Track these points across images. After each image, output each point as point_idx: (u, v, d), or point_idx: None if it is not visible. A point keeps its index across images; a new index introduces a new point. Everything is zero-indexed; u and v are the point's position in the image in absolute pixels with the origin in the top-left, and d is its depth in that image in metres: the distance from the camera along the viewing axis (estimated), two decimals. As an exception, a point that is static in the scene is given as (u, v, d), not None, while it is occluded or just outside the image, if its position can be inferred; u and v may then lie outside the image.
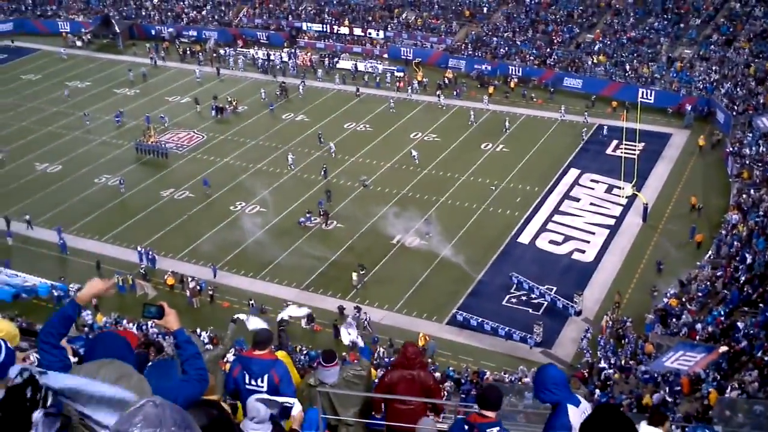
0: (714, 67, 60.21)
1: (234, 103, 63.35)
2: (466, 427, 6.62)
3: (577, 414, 6.22)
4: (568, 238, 44.54)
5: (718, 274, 37.96)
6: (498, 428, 6.46)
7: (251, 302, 39.27)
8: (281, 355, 9.22)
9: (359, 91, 65.41)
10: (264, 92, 65.04)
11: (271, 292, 40.96)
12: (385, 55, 72.43)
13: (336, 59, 71.88)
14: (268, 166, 54.12)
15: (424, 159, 53.33)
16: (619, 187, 47.80)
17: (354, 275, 41.22)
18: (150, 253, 43.99)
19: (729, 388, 28.28)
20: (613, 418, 3.53)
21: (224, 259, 43.84)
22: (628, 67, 63.00)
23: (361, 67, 70.09)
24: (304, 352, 33.90)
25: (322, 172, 51.87)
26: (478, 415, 6.62)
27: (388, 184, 50.97)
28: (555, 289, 40.04)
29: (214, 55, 74.31)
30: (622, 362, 33.35)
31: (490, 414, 6.58)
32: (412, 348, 9.95)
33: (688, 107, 57.23)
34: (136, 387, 3.66)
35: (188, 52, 75.63)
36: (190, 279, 41.44)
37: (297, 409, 7.02)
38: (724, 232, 41.90)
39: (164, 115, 61.66)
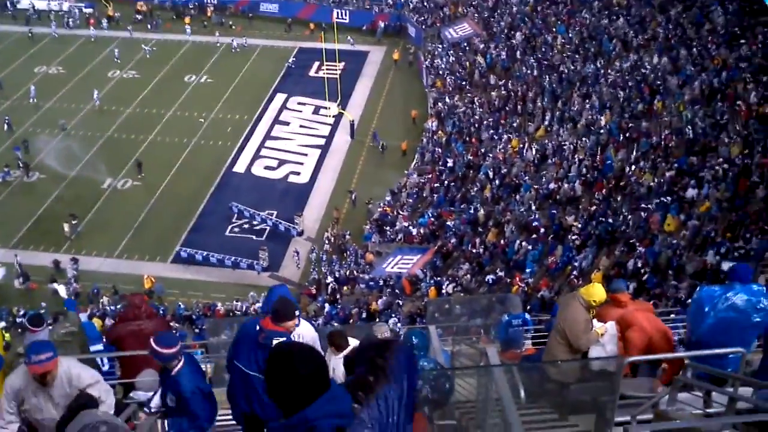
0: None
1: None
2: (258, 327, 6.72)
3: None
4: (282, 162, 45.08)
5: (425, 179, 40.35)
6: (285, 339, 6.50)
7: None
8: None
9: (32, 32, 60.15)
10: None
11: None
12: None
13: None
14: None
15: (125, 97, 51.21)
16: (326, 107, 48.91)
17: (66, 226, 39.07)
18: None
19: (445, 283, 30.54)
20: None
21: None
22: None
23: (41, 5, 64.74)
24: (21, 312, 31.91)
25: (6, 126, 48.05)
26: (272, 322, 6.74)
27: (91, 127, 48.35)
28: (275, 213, 40.59)
29: None
30: (347, 274, 34.75)
31: (286, 325, 6.74)
32: (137, 298, 9.74)
33: (382, 24, 59.27)
34: None
35: None
36: None
37: None
38: (425, 140, 44.40)
39: None
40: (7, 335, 16.74)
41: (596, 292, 8.48)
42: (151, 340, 6.83)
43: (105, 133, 47.73)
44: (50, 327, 9.29)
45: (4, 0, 64.96)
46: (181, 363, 7.00)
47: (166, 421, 7.39)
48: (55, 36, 60.10)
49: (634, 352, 7.91)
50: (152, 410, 7.29)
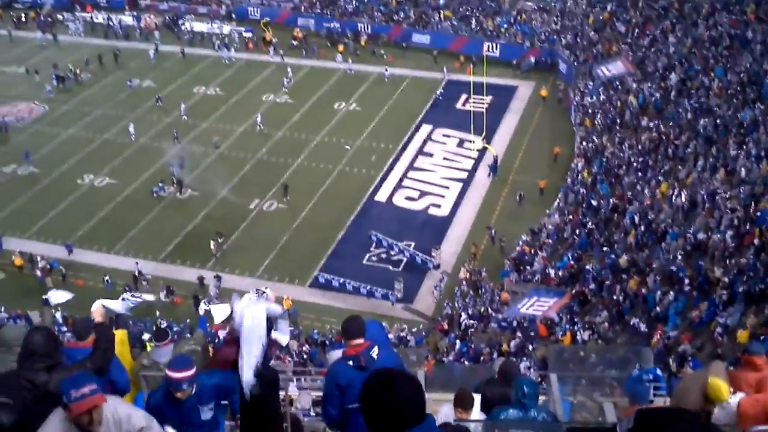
0: (555, 18, 62.04)
1: (77, 72, 60.53)
2: (351, 362, 6.43)
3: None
4: (423, 194, 45.25)
5: (567, 220, 39.51)
6: (376, 347, 6.45)
7: (106, 278, 38.06)
8: (119, 334, 8.75)
9: (184, 52, 64.21)
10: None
11: (126, 266, 39.79)
12: (233, 16, 70.72)
13: (180, 21, 69.61)
14: (115, 136, 52.19)
15: (277, 121, 52.86)
16: (470, 141, 48.83)
17: (212, 244, 40.55)
18: (-6, 234, 41.89)
19: (579, 329, 29.69)
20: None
21: (75, 235, 42.22)
22: (474, 22, 64.04)
23: (204, 28, 68.20)
24: (164, 325, 33.17)
25: (174, 140, 50.58)
26: (351, 347, 6.55)
27: (242, 148, 50.21)
28: (413, 244, 40.69)
29: (50, 20, 70.57)
30: (480, 312, 34.37)
31: (360, 341, 6.54)
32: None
33: (532, 59, 58.85)
34: None
35: (23, 18, 71.59)
36: (39, 258, 39.73)
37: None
38: (570, 179, 43.54)
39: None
40: (149, 346, 17.40)
41: (720, 390, 7.69)
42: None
43: (255, 154, 49.41)
44: (175, 342, 9.32)
45: (171, 22, 68.83)
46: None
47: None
48: (228, 61, 63.06)
49: (742, 423, 7.28)
50: None
